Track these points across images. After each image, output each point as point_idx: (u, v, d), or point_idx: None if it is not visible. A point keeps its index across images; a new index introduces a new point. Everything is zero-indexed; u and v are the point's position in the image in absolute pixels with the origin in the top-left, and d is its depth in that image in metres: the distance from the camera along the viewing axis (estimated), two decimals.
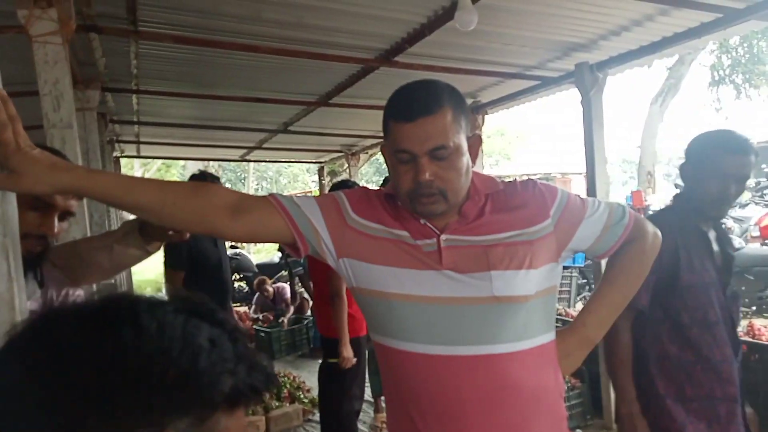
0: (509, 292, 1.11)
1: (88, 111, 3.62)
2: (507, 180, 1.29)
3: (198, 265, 3.32)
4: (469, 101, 5.01)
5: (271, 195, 1.19)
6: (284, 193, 1.24)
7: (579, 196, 1.26)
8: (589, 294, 5.95)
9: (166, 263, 3.31)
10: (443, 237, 1.15)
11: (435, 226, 1.16)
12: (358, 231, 1.18)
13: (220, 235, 1.16)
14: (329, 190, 3.78)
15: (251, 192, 26.14)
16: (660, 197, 12.58)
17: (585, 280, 6.28)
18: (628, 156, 29.33)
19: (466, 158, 1.13)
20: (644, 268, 1.30)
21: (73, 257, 1.43)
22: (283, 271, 9.43)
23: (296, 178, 33.72)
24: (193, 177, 3.37)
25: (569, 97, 4.82)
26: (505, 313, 1.12)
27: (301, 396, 4.75)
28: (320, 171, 9.79)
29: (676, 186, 7.90)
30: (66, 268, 1.40)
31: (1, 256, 0.94)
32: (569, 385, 3.94)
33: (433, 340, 1.12)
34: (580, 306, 5.12)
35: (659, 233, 1.31)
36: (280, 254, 8.42)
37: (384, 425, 4.19)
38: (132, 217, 1.24)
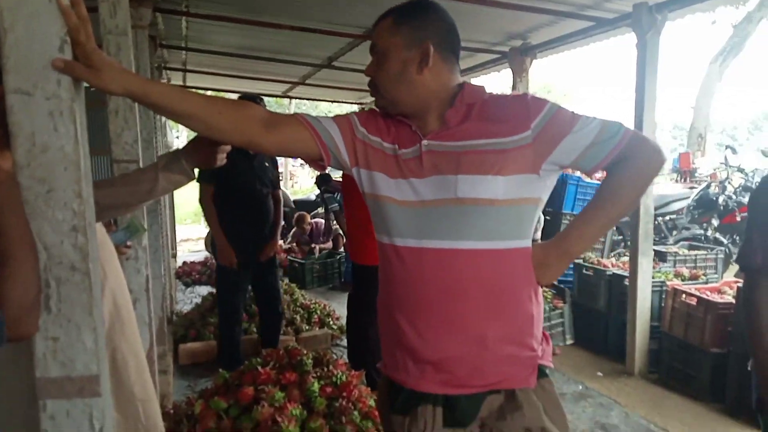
0: (473, 195, 1.22)
1: (140, 29, 3.67)
2: (503, 93, 1.34)
3: (228, 180, 3.42)
4: (518, 42, 4.88)
5: (297, 113, 1.36)
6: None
7: (574, 112, 1.25)
8: (623, 251, 5.88)
9: (198, 177, 3.45)
10: (424, 142, 1.28)
11: (422, 133, 1.30)
12: (364, 142, 1.35)
13: (257, 146, 1.31)
14: None
15: None
16: (709, 161, 12.15)
17: (621, 236, 6.20)
18: (680, 122, 28.17)
19: (398, 66, 1.27)
20: (636, 188, 1.27)
21: None
22: (319, 209, 9.60)
23: None
24: (241, 97, 3.48)
25: (620, 52, 4.64)
26: (470, 213, 1.23)
27: (330, 322, 4.94)
28: None
29: (728, 147, 7.59)
30: None
31: (69, 120, 1.01)
32: (550, 305, 4.39)
33: (409, 234, 1.28)
34: (613, 260, 5.08)
35: (663, 153, 1.26)
36: (317, 191, 8.54)
37: None
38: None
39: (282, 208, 3.91)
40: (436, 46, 1.26)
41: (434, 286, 1.26)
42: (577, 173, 5.44)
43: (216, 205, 3.56)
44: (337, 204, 6.80)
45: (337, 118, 1.37)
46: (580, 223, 1.31)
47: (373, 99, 1.41)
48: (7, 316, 0.93)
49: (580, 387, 3.68)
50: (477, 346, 1.25)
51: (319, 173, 7.82)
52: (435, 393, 1.29)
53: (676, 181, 11.18)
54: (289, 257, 7.27)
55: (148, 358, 2.58)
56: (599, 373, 3.93)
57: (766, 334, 1.44)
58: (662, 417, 3.24)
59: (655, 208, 8.04)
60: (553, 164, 1.25)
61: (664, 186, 9.77)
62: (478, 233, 1.23)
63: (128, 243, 2.23)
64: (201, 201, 3.60)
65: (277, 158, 6.15)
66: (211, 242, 5.69)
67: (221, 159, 1.50)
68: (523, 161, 1.22)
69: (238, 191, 3.51)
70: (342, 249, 7.60)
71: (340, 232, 7.80)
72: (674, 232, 7.73)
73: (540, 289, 1.34)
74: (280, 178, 11.82)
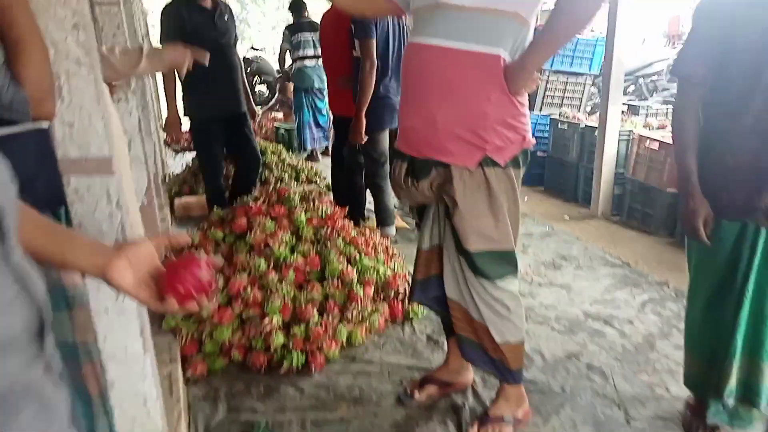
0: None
1: None
2: None
3: (192, 37, 3.23)
4: None
5: None
6: None
7: None
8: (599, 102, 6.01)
9: (161, 36, 3.41)
10: None
11: None
12: None
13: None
14: None
15: None
16: None
17: (597, 90, 6.31)
18: None
19: None
20: (575, 4, 1.44)
21: None
22: None
23: None
24: None
25: None
26: (442, 16, 1.52)
27: (318, 180, 5.18)
28: None
29: None
30: None
31: None
32: None
33: (416, 32, 1.64)
34: (588, 110, 5.26)
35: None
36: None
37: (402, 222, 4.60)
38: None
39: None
40: None
41: (411, 73, 1.65)
42: None
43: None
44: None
45: None
46: (535, 40, 1.55)
47: None
48: (29, 96, 1.10)
49: (547, 228, 4.02)
50: (429, 124, 1.61)
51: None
52: (403, 152, 1.75)
53: (665, 45, 11.05)
54: (276, 124, 7.36)
55: (147, 196, 2.81)
56: (566, 217, 4.27)
57: (683, 137, 1.66)
58: (617, 248, 3.61)
59: (637, 70, 8.11)
60: None
61: (648, 48, 9.68)
62: (446, 33, 1.52)
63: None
64: None
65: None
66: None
67: (189, 64, 2.00)
68: None
69: (204, 47, 3.18)
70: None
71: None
72: (654, 94, 7.85)
73: (508, 97, 1.57)
74: (262, 48, 11.53)
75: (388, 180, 3.51)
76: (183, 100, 3.56)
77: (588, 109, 5.54)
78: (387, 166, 3.51)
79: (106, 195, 1.27)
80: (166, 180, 5.10)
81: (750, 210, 1.57)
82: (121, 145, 2.30)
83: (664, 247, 3.63)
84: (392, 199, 3.72)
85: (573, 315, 2.75)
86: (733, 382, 1.64)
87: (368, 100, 3.26)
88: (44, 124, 1.26)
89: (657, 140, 3.77)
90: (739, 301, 1.63)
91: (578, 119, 4.73)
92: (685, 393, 1.99)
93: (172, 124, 3.57)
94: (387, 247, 3.09)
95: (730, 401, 1.66)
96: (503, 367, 1.77)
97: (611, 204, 4.19)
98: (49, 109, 1.15)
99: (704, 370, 1.75)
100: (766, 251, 1.57)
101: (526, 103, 1.64)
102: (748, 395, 1.64)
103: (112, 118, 2.20)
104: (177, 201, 4.43)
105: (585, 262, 3.39)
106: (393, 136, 3.55)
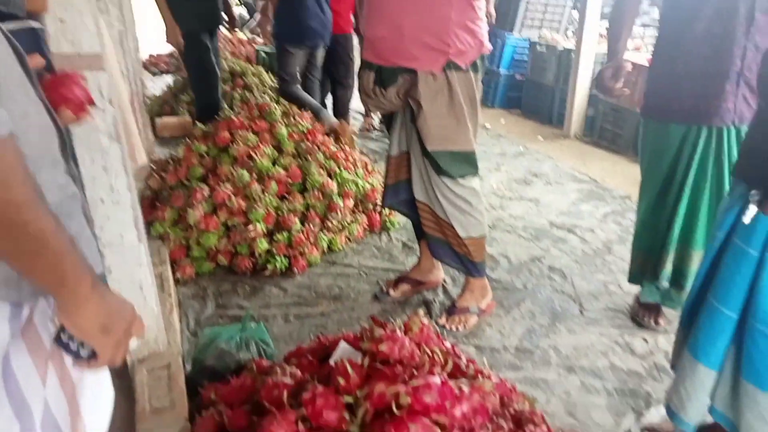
0: None
1: None
2: None
3: None
4: None
5: None
6: None
7: None
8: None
9: None
10: None
11: None
12: None
13: None
14: None
15: None
16: None
17: (575, 10, 6.28)
18: None
19: None
20: None
21: None
22: None
23: None
24: None
25: None
26: None
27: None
28: None
29: None
30: None
31: None
32: None
33: None
34: (569, 34, 5.29)
35: None
36: None
37: (372, 128, 4.71)
38: None
39: None
40: None
41: None
42: None
43: None
44: None
45: None
46: None
47: None
48: None
49: (521, 148, 4.16)
50: (396, 32, 1.72)
51: None
52: (371, 61, 1.86)
53: None
54: (257, 47, 7.23)
55: (131, 104, 2.87)
56: (540, 137, 4.41)
57: (619, 25, 1.87)
58: (586, 166, 3.78)
59: None
60: None
61: None
62: None
63: None
64: None
65: None
66: None
67: None
68: None
69: None
70: None
71: None
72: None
73: (467, 0, 1.69)
74: None
75: (302, 91, 3.77)
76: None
77: (569, 33, 5.56)
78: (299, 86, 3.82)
79: (98, 90, 1.36)
80: (146, 102, 5.09)
81: (697, 115, 1.72)
82: (109, 49, 2.35)
83: (631, 165, 3.80)
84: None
85: (539, 224, 2.94)
86: (669, 267, 1.85)
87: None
88: (38, 24, 1.33)
89: (629, 61, 3.84)
90: (679, 195, 1.81)
91: (556, 42, 4.77)
92: (635, 289, 2.20)
93: (171, 30, 3.62)
94: (366, 164, 3.21)
95: (665, 283, 1.87)
96: (468, 260, 1.95)
97: (584, 125, 4.32)
98: (42, 2, 1.22)
99: (643, 260, 1.95)
100: (705, 151, 1.73)
101: (483, 9, 1.76)
102: (679, 279, 1.85)
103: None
104: (158, 120, 4.46)
105: (554, 178, 3.56)
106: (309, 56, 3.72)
